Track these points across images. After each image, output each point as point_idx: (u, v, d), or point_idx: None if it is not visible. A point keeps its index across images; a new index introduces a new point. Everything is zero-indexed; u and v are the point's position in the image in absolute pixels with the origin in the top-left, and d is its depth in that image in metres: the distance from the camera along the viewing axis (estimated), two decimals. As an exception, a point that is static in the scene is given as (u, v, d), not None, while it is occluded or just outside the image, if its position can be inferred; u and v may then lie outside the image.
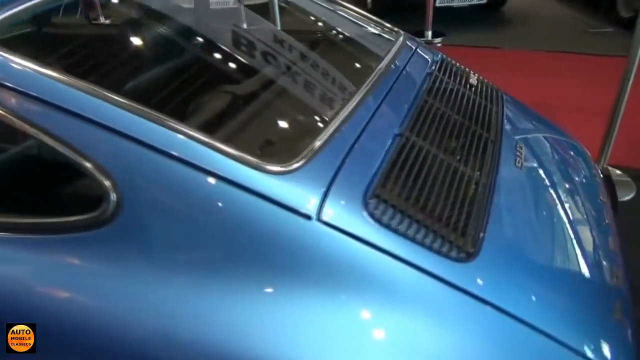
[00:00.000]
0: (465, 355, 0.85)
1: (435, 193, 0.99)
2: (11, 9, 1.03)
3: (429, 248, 0.89)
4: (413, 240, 0.89)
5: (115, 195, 0.87)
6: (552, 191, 1.23)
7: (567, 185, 1.28)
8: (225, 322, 0.84)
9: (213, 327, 0.84)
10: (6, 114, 0.88)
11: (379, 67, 1.32)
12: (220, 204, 0.87)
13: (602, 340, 0.92)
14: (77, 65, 1.33)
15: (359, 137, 1.03)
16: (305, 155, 0.93)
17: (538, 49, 4.64)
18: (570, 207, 1.19)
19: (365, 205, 0.90)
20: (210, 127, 1.10)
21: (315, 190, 0.88)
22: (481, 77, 1.58)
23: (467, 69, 1.59)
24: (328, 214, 0.87)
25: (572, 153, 1.51)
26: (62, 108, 0.86)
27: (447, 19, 5.24)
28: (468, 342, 0.85)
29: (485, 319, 0.87)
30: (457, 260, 0.90)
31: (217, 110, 1.21)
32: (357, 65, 1.48)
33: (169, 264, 0.88)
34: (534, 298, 0.92)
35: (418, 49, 1.56)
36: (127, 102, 0.89)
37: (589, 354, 0.87)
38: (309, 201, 0.87)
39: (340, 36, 1.78)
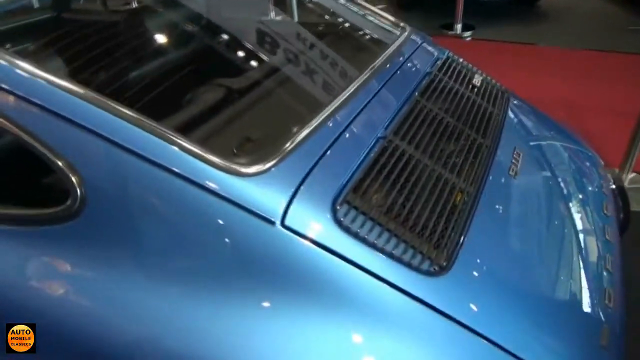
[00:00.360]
0: None
1: (413, 201, 0.95)
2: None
3: (398, 260, 0.86)
4: (381, 250, 0.85)
5: (80, 191, 0.86)
6: (547, 203, 1.16)
7: (566, 198, 1.21)
8: (176, 319, 0.83)
9: (169, 324, 0.83)
10: None
11: (374, 64, 1.27)
12: (182, 204, 0.85)
13: None
14: (49, 57, 1.33)
15: (337, 138, 1.00)
16: (276, 157, 0.90)
17: (574, 46, 4.44)
18: (565, 222, 1.13)
19: (333, 211, 0.87)
20: (181, 125, 1.09)
21: (282, 194, 0.86)
22: (488, 78, 1.51)
23: (475, 69, 1.52)
24: (293, 219, 0.84)
25: (579, 161, 1.42)
26: (32, 102, 0.86)
27: (479, 11, 5.07)
28: (429, 358, 0.82)
29: (449, 336, 0.83)
30: (427, 273, 0.86)
31: (192, 108, 1.19)
32: (352, 62, 1.43)
33: (129, 260, 0.87)
34: (506, 320, 0.87)
35: (422, 46, 1.50)
36: (96, 97, 0.88)
37: None
38: (274, 205, 0.84)
39: (340, 30, 1.72)
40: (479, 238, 0.96)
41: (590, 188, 1.32)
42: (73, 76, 0.92)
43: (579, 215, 1.17)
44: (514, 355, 0.82)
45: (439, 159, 1.07)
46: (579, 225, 1.14)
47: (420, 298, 0.83)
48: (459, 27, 4.78)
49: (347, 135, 1.02)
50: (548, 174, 1.27)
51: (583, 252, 1.08)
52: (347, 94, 1.12)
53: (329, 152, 0.96)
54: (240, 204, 0.83)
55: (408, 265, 0.85)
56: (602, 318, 0.97)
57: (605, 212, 1.26)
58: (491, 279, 0.92)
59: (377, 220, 0.89)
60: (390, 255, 0.85)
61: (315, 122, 1.00)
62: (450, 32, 4.77)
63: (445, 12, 4.85)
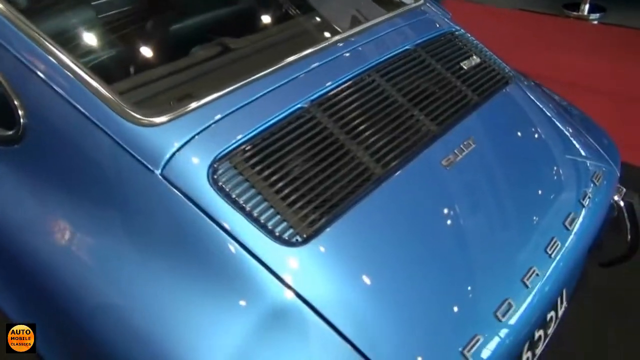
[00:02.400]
0: (262, 341, 0.83)
1: (301, 172, 0.96)
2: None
3: (260, 225, 0.88)
4: (246, 213, 0.89)
5: (24, 121, 1.03)
6: (474, 200, 1.06)
7: (509, 195, 1.09)
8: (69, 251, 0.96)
9: (65, 256, 0.96)
10: None
11: (345, 32, 1.26)
12: (85, 144, 0.97)
13: None
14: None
15: (252, 102, 1.03)
16: (178, 112, 0.98)
17: None
18: (485, 226, 1.03)
19: (212, 169, 0.92)
20: (113, 74, 1.20)
21: (168, 146, 0.93)
22: (494, 61, 1.38)
23: (482, 50, 1.41)
24: (171, 170, 0.91)
25: (571, 173, 1.25)
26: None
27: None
28: (266, 326, 0.84)
29: (288, 308, 0.84)
30: (284, 243, 0.88)
31: (138, 62, 1.30)
32: (328, 25, 1.40)
33: (51, 190, 1.01)
34: (353, 306, 0.86)
35: (425, 20, 1.42)
36: (43, 39, 1.01)
37: None
38: (157, 155, 0.92)
39: None
40: (362, 221, 0.94)
41: (564, 191, 1.17)
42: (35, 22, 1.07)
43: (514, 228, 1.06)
44: (349, 341, 0.82)
45: (358, 136, 1.04)
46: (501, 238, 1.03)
47: (268, 265, 0.86)
48: (586, 7, 4.22)
49: (267, 99, 1.05)
50: (500, 170, 1.15)
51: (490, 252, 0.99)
52: (297, 57, 1.13)
53: (234, 114, 1.00)
54: (129, 150, 0.93)
55: (268, 232, 0.88)
56: (479, 324, 0.89)
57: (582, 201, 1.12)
58: (354, 264, 0.90)
59: (253, 184, 0.92)
60: (254, 220, 0.89)
61: (240, 83, 1.05)
62: (574, 13, 4.24)
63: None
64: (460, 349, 0.86)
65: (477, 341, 0.87)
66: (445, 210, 1.03)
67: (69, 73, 0.98)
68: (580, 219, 1.13)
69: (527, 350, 1.11)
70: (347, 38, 1.27)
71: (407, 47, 1.29)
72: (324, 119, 1.05)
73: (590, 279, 1.63)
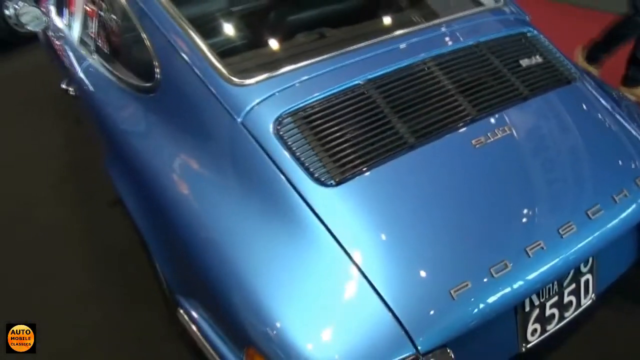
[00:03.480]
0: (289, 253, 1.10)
1: (345, 133, 1.20)
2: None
3: (304, 167, 1.15)
4: (296, 158, 1.16)
5: (157, 77, 1.42)
6: (491, 180, 1.19)
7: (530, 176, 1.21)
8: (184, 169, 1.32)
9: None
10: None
11: (426, 23, 1.49)
12: (197, 96, 1.32)
13: (418, 305, 1.02)
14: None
15: (319, 75, 1.30)
16: (263, 77, 1.28)
17: None
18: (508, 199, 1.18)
19: (277, 122, 1.21)
20: (228, 51, 1.55)
21: (249, 101, 1.24)
22: (555, 63, 1.47)
23: (549, 50, 1.50)
24: (248, 119, 1.22)
25: (604, 172, 1.29)
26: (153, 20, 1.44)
27: None
28: (296, 256, 1.09)
29: (315, 236, 1.09)
30: (320, 183, 1.13)
31: (250, 44, 1.67)
32: (410, 17, 1.62)
33: (172, 127, 1.39)
34: (373, 245, 1.08)
35: (499, 19, 1.56)
36: (182, 21, 1.39)
37: (397, 310, 1.00)
38: (241, 107, 1.24)
39: None
40: (387, 177, 1.15)
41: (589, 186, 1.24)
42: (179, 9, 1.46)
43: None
44: (357, 265, 1.05)
45: (399, 112, 1.25)
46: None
47: (306, 200, 1.12)
48: None
49: (337, 69, 1.31)
50: (527, 157, 1.25)
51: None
52: (374, 41, 1.40)
53: (303, 83, 1.28)
54: (223, 103, 1.26)
55: (311, 174, 1.14)
56: (473, 274, 1.05)
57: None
58: (372, 207, 1.12)
59: (305, 137, 1.19)
60: (303, 165, 1.16)
61: (318, 58, 1.33)
62: None
63: None
64: (449, 289, 1.03)
65: (465, 286, 1.04)
66: (463, 181, 1.19)
67: (194, 46, 1.35)
68: (605, 212, 1.20)
69: (535, 322, 1.21)
70: (420, 30, 1.48)
71: (469, 43, 1.45)
72: (375, 95, 1.27)
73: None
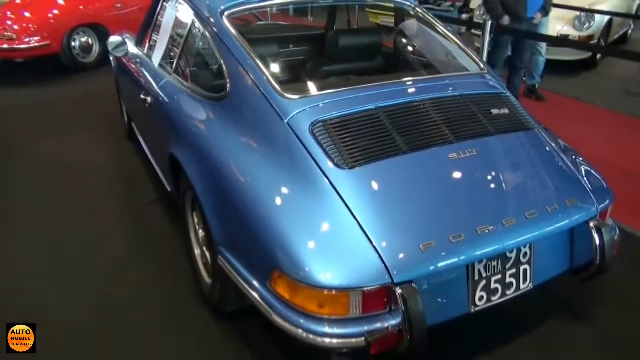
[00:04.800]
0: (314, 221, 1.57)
1: (359, 139, 1.71)
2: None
3: (329, 156, 1.65)
4: (323, 149, 1.67)
5: (227, 89, 1.97)
6: (458, 180, 1.69)
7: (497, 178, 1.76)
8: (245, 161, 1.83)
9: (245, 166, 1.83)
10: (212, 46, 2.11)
11: (430, 75, 2.08)
12: (257, 105, 1.85)
13: (396, 251, 1.48)
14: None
15: (349, 98, 1.83)
16: (307, 95, 1.83)
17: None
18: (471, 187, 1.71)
19: (312, 125, 1.73)
20: (284, 75, 2.12)
21: (293, 110, 1.77)
22: (518, 115, 2.00)
23: (516, 107, 2.04)
24: (292, 121, 1.75)
25: (544, 188, 1.81)
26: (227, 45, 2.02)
27: None
28: (316, 212, 1.58)
29: (330, 198, 1.58)
30: (338, 167, 1.63)
31: (301, 70, 2.26)
32: (416, 69, 2.25)
33: (237, 128, 1.90)
34: (367, 207, 1.56)
35: (481, 81, 2.12)
36: (251, 50, 1.97)
37: (381, 251, 1.46)
38: (287, 113, 1.77)
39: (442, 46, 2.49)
40: (386, 169, 1.65)
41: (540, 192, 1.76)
42: (248, 43, 2.04)
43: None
44: (367, 236, 1.50)
45: (399, 130, 1.76)
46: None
47: (330, 179, 1.61)
48: None
49: (358, 97, 1.85)
50: (487, 170, 1.75)
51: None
52: (382, 83, 1.96)
53: (330, 103, 1.81)
54: (276, 109, 1.79)
55: (333, 160, 1.64)
56: (437, 237, 1.51)
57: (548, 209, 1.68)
58: (374, 186, 1.61)
59: (330, 136, 1.70)
60: (327, 154, 1.66)
61: (350, 86, 1.89)
62: None
63: None
64: (419, 244, 1.49)
65: (431, 244, 1.50)
66: (438, 179, 1.69)
67: (258, 70, 1.91)
68: (538, 216, 1.66)
69: (482, 290, 1.64)
70: (423, 80, 2.05)
71: (456, 94, 1.99)
72: (382, 117, 1.80)
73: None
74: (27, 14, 5.64)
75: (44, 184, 3.34)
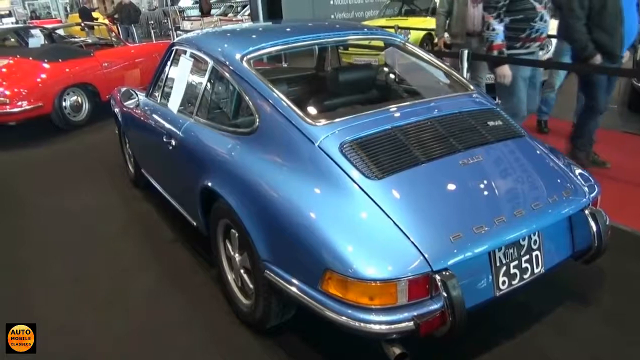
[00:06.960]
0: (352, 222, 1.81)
1: (380, 153, 1.97)
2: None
3: (360, 170, 1.90)
4: (355, 166, 1.92)
5: (257, 124, 2.22)
6: (471, 180, 1.96)
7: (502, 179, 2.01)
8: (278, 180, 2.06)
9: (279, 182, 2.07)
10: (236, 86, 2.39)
11: (431, 96, 2.36)
12: (286, 133, 2.10)
13: (431, 244, 1.71)
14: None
15: (368, 120, 2.11)
16: (332, 120, 2.09)
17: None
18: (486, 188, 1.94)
19: (340, 145, 1.98)
20: (304, 103, 2.42)
21: (322, 134, 2.02)
22: (510, 125, 2.31)
23: (507, 120, 2.35)
24: (322, 144, 2.00)
25: (545, 183, 2.09)
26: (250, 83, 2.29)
27: None
28: (354, 217, 1.81)
29: (365, 205, 1.81)
30: (368, 178, 1.88)
31: (320, 100, 2.59)
32: (417, 93, 2.58)
33: (268, 156, 2.14)
34: (399, 209, 1.80)
35: (474, 100, 2.44)
36: (274, 88, 2.24)
37: (419, 244, 1.69)
38: (317, 137, 2.02)
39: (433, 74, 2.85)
40: (409, 177, 1.91)
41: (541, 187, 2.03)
42: (268, 79, 2.33)
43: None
44: (404, 232, 1.74)
45: (415, 144, 2.03)
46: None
47: (361, 187, 1.85)
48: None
49: (375, 119, 2.12)
50: (493, 171, 2.03)
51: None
52: (401, 103, 2.26)
53: (352, 126, 2.07)
54: (306, 135, 2.04)
55: (363, 173, 1.89)
56: (463, 229, 1.75)
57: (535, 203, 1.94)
58: (400, 191, 1.86)
59: (357, 153, 1.95)
60: (358, 168, 1.91)
61: (364, 111, 2.16)
62: None
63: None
64: (449, 236, 1.73)
65: (459, 235, 1.74)
66: (454, 181, 1.95)
67: (284, 104, 2.17)
68: (543, 207, 1.94)
69: (504, 275, 1.88)
70: (426, 102, 2.35)
71: (455, 111, 2.29)
72: (399, 135, 2.07)
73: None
74: (16, 80, 5.81)
75: (59, 234, 3.46)
